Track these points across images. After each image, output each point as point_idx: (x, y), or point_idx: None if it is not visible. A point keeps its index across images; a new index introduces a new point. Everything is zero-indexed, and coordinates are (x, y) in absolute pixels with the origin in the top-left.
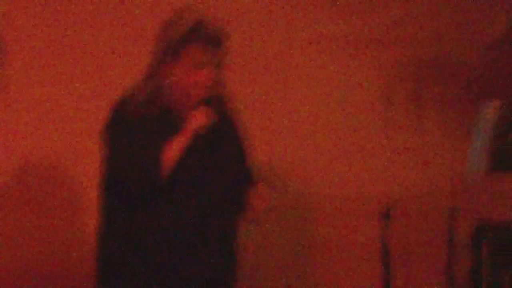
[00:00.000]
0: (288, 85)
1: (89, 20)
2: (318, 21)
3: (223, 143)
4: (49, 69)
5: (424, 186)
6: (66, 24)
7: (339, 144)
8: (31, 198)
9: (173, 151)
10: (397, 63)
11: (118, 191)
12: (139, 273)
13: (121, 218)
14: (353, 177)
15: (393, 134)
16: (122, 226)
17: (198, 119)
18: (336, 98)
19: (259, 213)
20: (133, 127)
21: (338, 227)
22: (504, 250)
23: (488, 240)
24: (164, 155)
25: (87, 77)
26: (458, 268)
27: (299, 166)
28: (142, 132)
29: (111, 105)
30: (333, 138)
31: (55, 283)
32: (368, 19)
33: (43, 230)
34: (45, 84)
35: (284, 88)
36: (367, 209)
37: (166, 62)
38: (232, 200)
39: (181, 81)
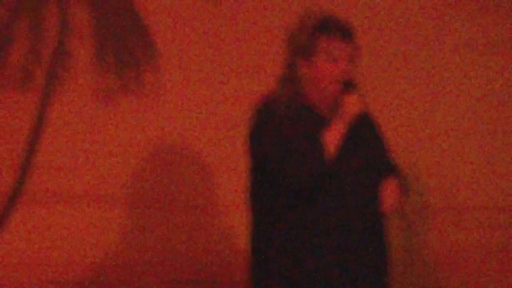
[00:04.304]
0: (433, 90)
1: (234, 28)
2: (466, 26)
3: (369, 137)
4: (197, 72)
5: None
6: (213, 32)
7: (479, 151)
8: (173, 201)
9: (334, 136)
10: None
11: (286, 186)
12: (298, 274)
13: (279, 220)
14: (491, 184)
15: None
16: (280, 229)
17: (353, 104)
18: (482, 105)
19: (391, 208)
20: (282, 126)
21: (474, 234)
22: None
23: None
24: (325, 140)
25: (233, 80)
26: None
27: (438, 172)
28: (291, 129)
29: (253, 109)
30: (477, 146)
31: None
32: None
33: (185, 234)
34: (194, 87)
35: (428, 92)
36: (505, 217)
37: (300, 60)
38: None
39: (317, 76)
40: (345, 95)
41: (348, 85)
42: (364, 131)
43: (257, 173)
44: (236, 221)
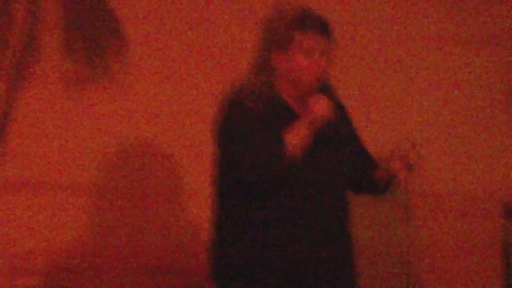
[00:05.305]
0: (408, 83)
1: (204, 19)
2: (438, 19)
3: (340, 129)
4: (167, 62)
5: None
6: (183, 22)
7: (461, 141)
8: (140, 192)
9: (296, 135)
10: None
11: (243, 180)
12: (258, 266)
13: (241, 212)
14: (475, 174)
15: None
16: (242, 220)
17: (320, 107)
18: (457, 95)
19: (402, 175)
20: (249, 119)
21: (458, 224)
22: None
23: None
24: (287, 140)
25: (200, 74)
26: None
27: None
28: (258, 123)
29: (222, 98)
30: (454, 135)
31: (166, 277)
32: (488, 17)
33: (152, 223)
34: (162, 77)
35: (404, 86)
36: (489, 206)
37: (275, 52)
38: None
39: (291, 69)
40: (314, 95)
41: (320, 86)
42: (336, 125)
43: (222, 163)
44: (203, 212)
